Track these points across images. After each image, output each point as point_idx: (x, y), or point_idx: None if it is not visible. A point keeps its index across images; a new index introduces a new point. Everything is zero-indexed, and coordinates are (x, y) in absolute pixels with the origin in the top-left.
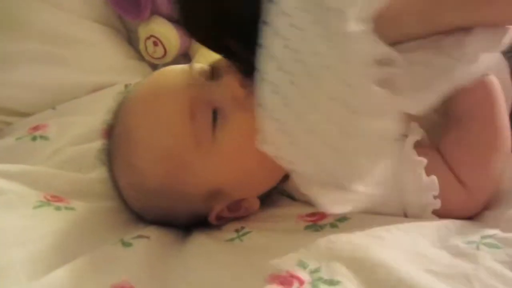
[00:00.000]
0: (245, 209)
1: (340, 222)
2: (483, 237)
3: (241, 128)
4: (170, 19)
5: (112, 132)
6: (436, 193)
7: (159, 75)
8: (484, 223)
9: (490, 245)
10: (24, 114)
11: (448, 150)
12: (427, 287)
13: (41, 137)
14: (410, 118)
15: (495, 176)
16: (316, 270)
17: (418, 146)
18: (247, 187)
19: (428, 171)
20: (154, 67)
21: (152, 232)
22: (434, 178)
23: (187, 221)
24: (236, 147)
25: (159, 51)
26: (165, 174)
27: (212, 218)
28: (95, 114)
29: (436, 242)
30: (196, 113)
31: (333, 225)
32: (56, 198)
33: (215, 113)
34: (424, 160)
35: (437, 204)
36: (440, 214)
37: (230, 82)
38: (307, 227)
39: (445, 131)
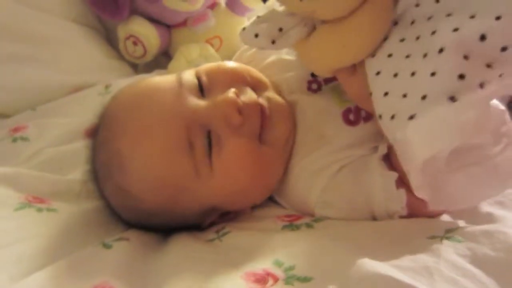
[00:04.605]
0: (235, 214)
1: (316, 222)
2: (447, 231)
3: (236, 155)
4: (149, 18)
5: (98, 150)
6: (404, 204)
7: (145, 92)
8: (448, 216)
9: (452, 239)
10: (3, 115)
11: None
12: (389, 279)
13: (22, 138)
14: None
15: None
16: (290, 268)
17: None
18: (241, 203)
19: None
20: (135, 66)
21: (133, 234)
22: (403, 191)
23: (176, 229)
24: (232, 173)
25: (139, 50)
26: (162, 200)
27: (204, 226)
28: (74, 115)
29: (401, 237)
30: (193, 142)
31: (308, 225)
32: (38, 200)
33: (209, 136)
34: (395, 174)
35: (404, 212)
36: (407, 217)
37: (226, 107)
38: (284, 227)
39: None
